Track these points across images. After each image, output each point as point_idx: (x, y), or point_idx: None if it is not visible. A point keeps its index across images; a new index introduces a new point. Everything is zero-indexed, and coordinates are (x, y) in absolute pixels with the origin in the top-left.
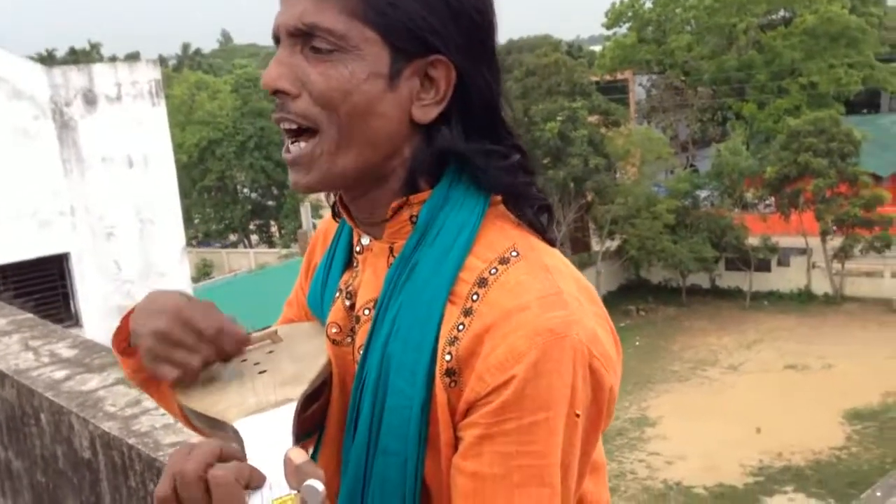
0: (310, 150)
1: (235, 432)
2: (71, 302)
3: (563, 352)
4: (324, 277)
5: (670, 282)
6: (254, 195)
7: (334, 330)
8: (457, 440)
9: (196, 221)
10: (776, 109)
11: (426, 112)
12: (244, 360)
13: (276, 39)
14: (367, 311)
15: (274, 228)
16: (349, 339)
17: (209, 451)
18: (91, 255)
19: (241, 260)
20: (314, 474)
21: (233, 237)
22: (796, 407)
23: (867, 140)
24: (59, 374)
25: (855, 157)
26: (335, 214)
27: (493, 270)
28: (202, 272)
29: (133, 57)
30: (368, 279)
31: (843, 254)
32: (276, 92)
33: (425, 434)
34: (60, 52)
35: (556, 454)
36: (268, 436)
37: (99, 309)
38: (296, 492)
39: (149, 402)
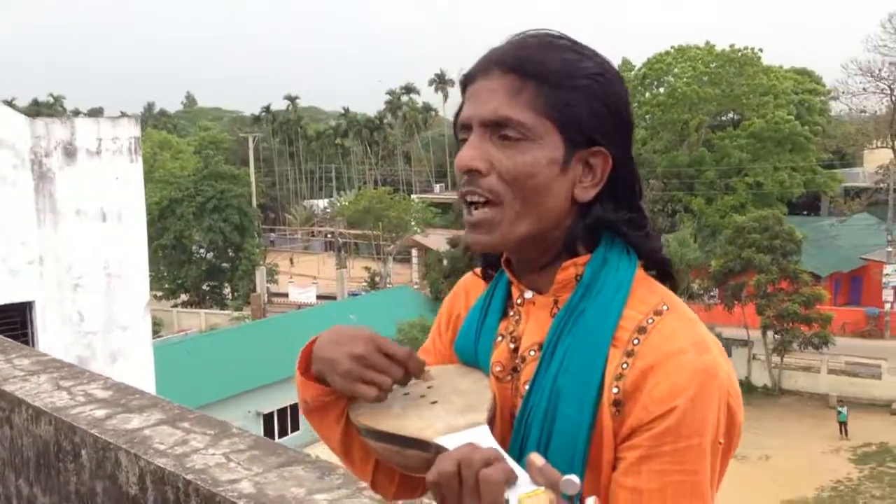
0: (492, 217)
1: (439, 449)
2: None
3: (713, 389)
4: (478, 325)
5: None
6: (209, 256)
7: (498, 368)
8: (616, 460)
9: (149, 279)
10: (723, 205)
11: (585, 192)
12: (407, 394)
13: (463, 127)
14: (532, 353)
15: (227, 290)
16: (509, 377)
17: (489, 450)
18: (56, 304)
19: (192, 320)
20: (558, 472)
21: (184, 297)
22: (734, 496)
23: (807, 241)
24: (100, 412)
25: (796, 255)
26: (485, 275)
27: (650, 320)
28: (151, 330)
29: (96, 112)
30: (532, 327)
31: (782, 348)
32: (469, 171)
33: (588, 455)
34: (21, 102)
35: (705, 472)
36: None
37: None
38: (542, 488)
39: (197, 443)
